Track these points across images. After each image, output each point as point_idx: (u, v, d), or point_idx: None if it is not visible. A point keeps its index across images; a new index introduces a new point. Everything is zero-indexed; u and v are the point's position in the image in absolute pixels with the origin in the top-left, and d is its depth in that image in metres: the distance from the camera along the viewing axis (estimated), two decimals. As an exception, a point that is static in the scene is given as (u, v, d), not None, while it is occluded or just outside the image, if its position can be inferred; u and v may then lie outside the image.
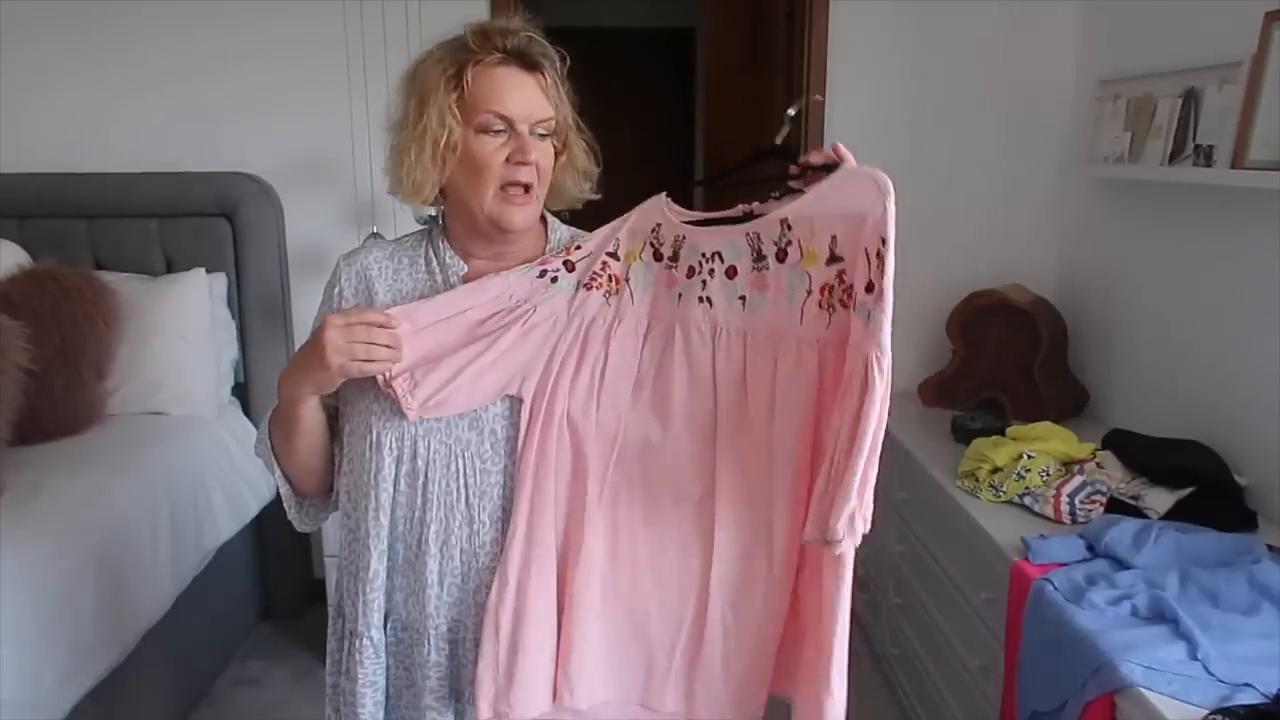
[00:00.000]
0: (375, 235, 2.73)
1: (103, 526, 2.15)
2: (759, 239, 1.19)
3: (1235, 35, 2.03)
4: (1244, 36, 1.99)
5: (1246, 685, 1.41)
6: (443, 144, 1.20)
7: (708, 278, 1.22)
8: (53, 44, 2.91)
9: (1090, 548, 1.85)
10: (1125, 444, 2.18)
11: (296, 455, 1.31)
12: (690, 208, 1.27)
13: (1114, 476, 2.09)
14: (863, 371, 1.04)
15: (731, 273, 1.21)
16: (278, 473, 1.35)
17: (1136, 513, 1.98)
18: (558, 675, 1.23)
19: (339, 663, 1.31)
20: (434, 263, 1.31)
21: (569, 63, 1.26)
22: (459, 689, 1.27)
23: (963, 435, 2.46)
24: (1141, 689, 1.42)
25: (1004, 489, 2.11)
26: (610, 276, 1.26)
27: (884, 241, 1.06)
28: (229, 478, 2.69)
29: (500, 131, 1.21)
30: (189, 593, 2.44)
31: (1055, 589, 1.71)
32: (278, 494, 1.40)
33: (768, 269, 1.18)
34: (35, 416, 2.36)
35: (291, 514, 1.40)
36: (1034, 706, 1.68)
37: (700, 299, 1.22)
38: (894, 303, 1.05)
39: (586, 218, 1.35)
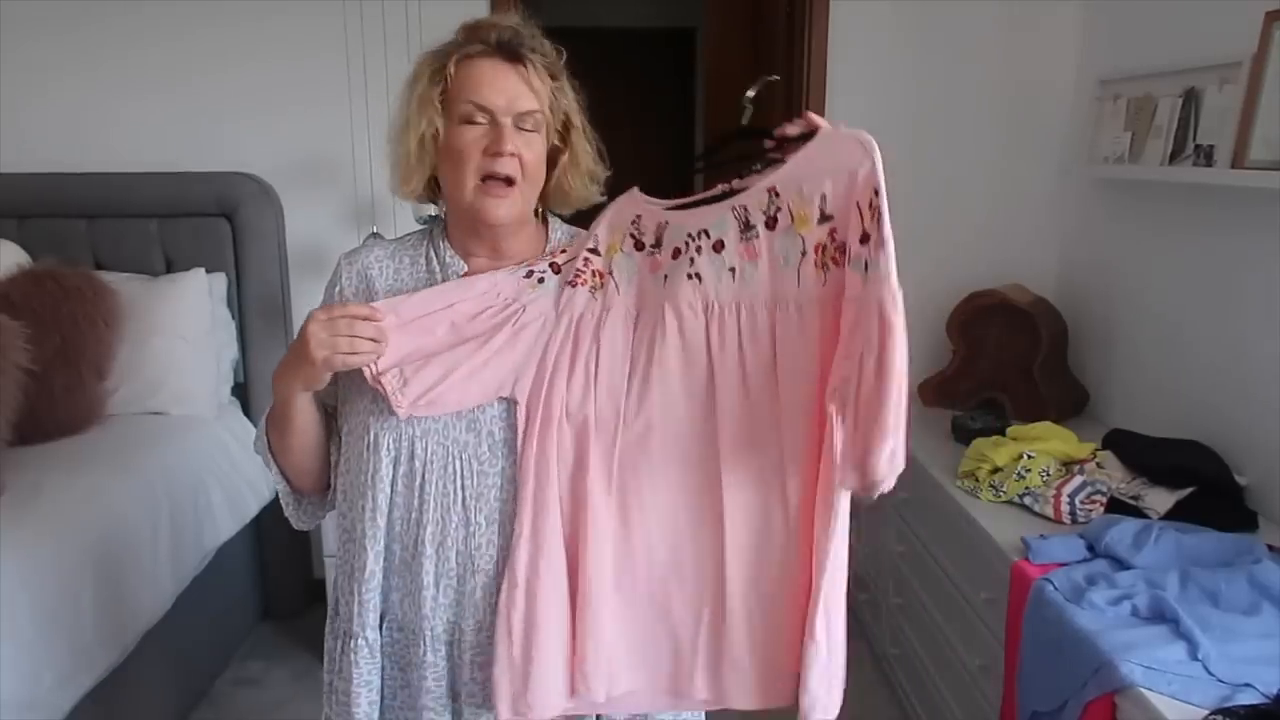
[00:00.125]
0: (375, 235, 2.74)
1: (102, 526, 2.15)
2: (746, 210, 1.20)
3: (1235, 35, 2.03)
4: (1244, 36, 1.99)
5: (1247, 685, 1.41)
6: (426, 135, 1.21)
7: (695, 255, 1.22)
8: (53, 44, 2.91)
9: (1090, 548, 1.85)
10: (1125, 444, 2.18)
11: (291, 453, 1.32)
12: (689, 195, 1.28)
13: (1114, 476, 2.09)
14: (876, 317, 1.06)
15: (719, 246, 1.21)
16: (275, 470, 1.35)
17: (1136, 513, 1.98)
18: (574, 670, 1.22)
19: (335, 661, 1.31)
20: (434, 262, 1.31)
21: (564, 57, 1.26)
22: (455, 689, 1.27)
23: (963, 435, 2.46)
24: (1141, 689, 1.42)
25: (1004, 489, 2.11)
26: (594, 272, 1.26)
27: (877, 192, 1.09)
28: (229, 477, 2.69)
29: (481, 122, 1.21)
30: (189, 593, 2.44)
31: (1055, 589, 1.71)
32: (277, 494, 1.40)
33: (757, 238, 1.19)
34: (35, 416, 2.36)
35: (289, 512, 1.40)
36: (1034, 706, 1.68)
37: (689, 276, 1.22)
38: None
39: (587, 218, 1.35)
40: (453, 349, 1.22)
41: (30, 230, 2.85)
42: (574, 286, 1.26)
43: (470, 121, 1.21)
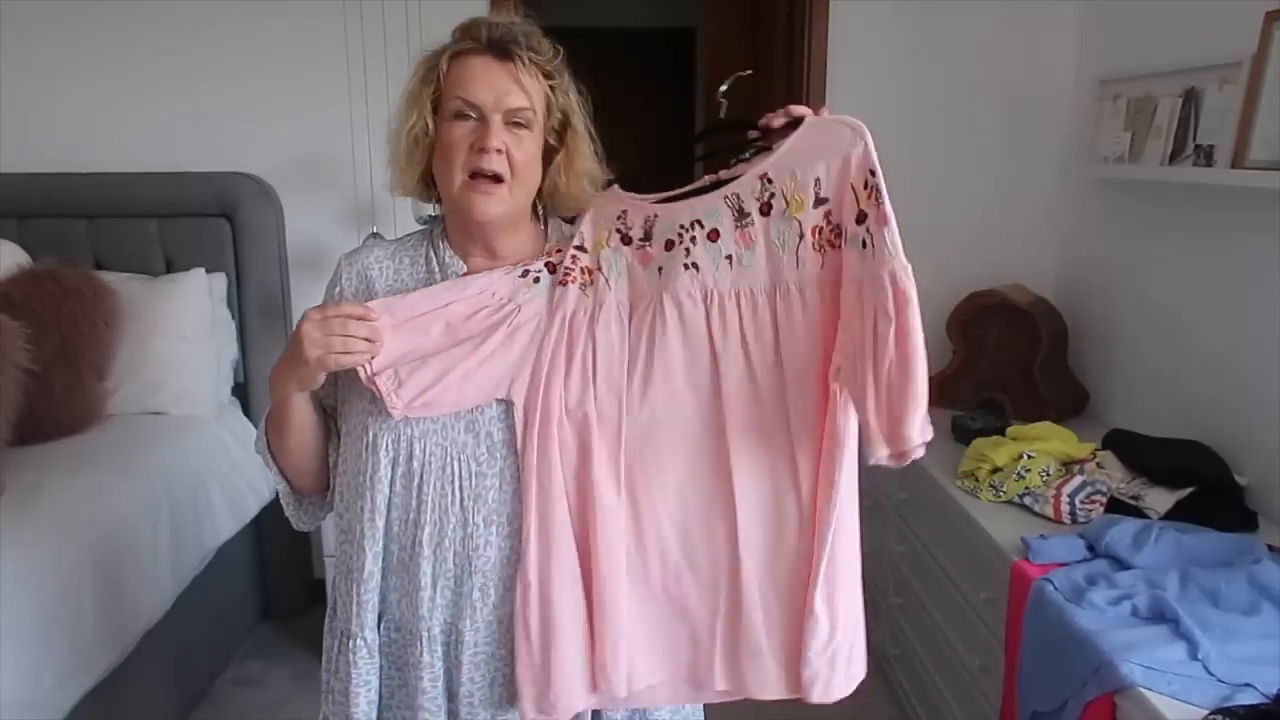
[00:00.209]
0: (375, 235, 2.73)
1: (102, 526, 2.15)
2: (738, 198, 1.22)
3: (1235, 35, 2.03)
4: (1244, 36, 1.99)
5: (1246, 685, 1.41)
6: (417, 132, 1.22)
7: (690, 245, 1.23)
8: (54, 45, 2.91)
9: (1090, 548, 1.85)
10: (1125, 444, 2.18)
11: (290, 454, 1.32)
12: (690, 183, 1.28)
13: (1114, 476, 2.09)
14: (889, 290, 1.10)
15: (714, 235, 1.22)
16: (275, 470, 1.35)
17: (1136, 513, 1.98)
18: (594, 666, 1.23)
19: (332, 661, 1.31)
20: (434, 262, 1.31)
21: (561, 55, 1.25)
22: (452, 690, 1.27)
23: (963, 435, 2.46)
24: (1141, 689, 1.42)
25: (1004, 489, 2.11)
26: (582, 269, 1.26)
27: (873, 172, 1.14)
28: (229, 477, 2.69)
29: (470, 119, 1.20)
30: (189, 593, 2.44)
31: (1055, 589, 1.71)
32: (278, 494, 1.40)
33: (752, 224, 1.21)
34: (35, 416, 2.36)
35: (290, 512, 1.40)
36: (1034, 706, 1.68)
37: (686, 266, 1.22)
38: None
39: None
40: (448, 350, 1.22)
41: (30, 230, 2.85)
42: (564, 285, 1.26)
43: (459, 117, 1.21)
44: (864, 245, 1.13)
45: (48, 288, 2.54)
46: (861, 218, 1.14)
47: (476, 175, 1.20)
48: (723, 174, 1.26)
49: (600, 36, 4.78)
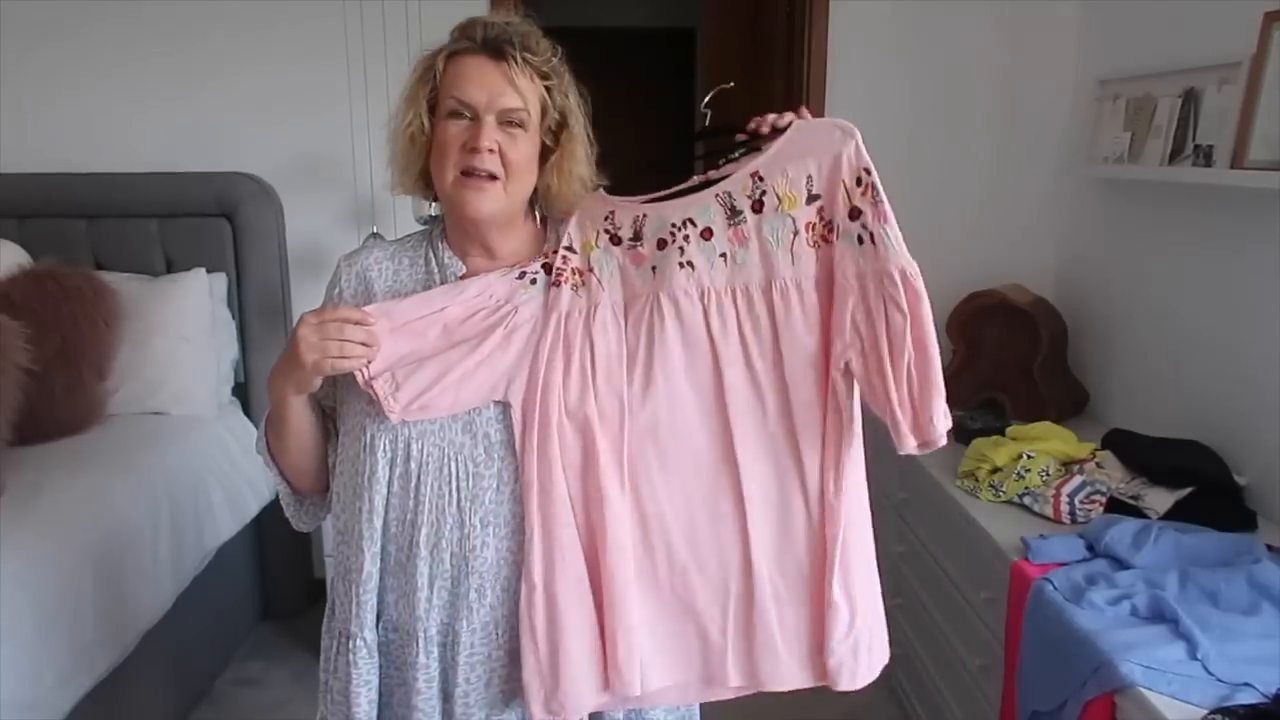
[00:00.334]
0: (375, 235, 2.74)
1: (103, 526, 2.15)
2: (730, 196, 1.23)
3: (1235, 35, 2.03)
4: (1244, 36, 1.99)
5: (1246, 685, 1.41)
6: (414, 131, 1.22)
7: (684, 244, 1.24)
8: (55, 47, 2.91)
9: (1090, 548, 1.85)
10: (1125, 444, 2.18)
11: (289, 454, 1.32)
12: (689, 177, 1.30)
13: (1114, 476, 2.09)
14: (901, 286, 1.15)
15: (707, 234, 1.24)
16: (275, 471, 1.35)
17: (1136, 513, 1.98)
18: (606, 665, 1.23)
19: (331, 661, 1.31)
20: (433, 263, 1.31)
21: (559, 55, 1.25)
22: (448, 691, 1.27)
23: (963, 435, 2.46)
24: (1141, 689, 1.42)
25: (1004, 489, 2.11)
26: (573, 270, 1.27)
27: (868, 170, 1.18)
28: (229, 477, 2.69)
29: (464, 118, 1.21)
30: (189, 593, 2.44)
31: (1055, 589, 1.71)
32: (278, 494, 1.40)
33: (745, 222, 1.23)
34: (35, 416, 2.36)
35: (290, 513, 1.41)
36: (1034, 706, 1.68)
37: (681, 265, 1.24)
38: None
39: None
40: (445, 352, 1.22)
41: (31, 230, 2.85)
42: (557, 286, 1.26)
43: (454, 116, 1.21)
44: (860, 241, 1.17)
45: (48, 288, 2.54)
46: (855, 214, 1.18)
47: (469, 172, 1.21)
48: (711, 174, 1.27)
49: (600, 36, 4.79)
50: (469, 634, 1.25)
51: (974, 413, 2.59)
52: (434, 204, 1.34)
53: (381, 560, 1.26)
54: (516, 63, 1.20)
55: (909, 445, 1.18)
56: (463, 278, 1.28)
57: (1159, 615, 1.60)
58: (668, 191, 1.27)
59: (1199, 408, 2.26)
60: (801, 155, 1.21)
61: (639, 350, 1.24)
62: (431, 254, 1.32)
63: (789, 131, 1.22)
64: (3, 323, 2.27)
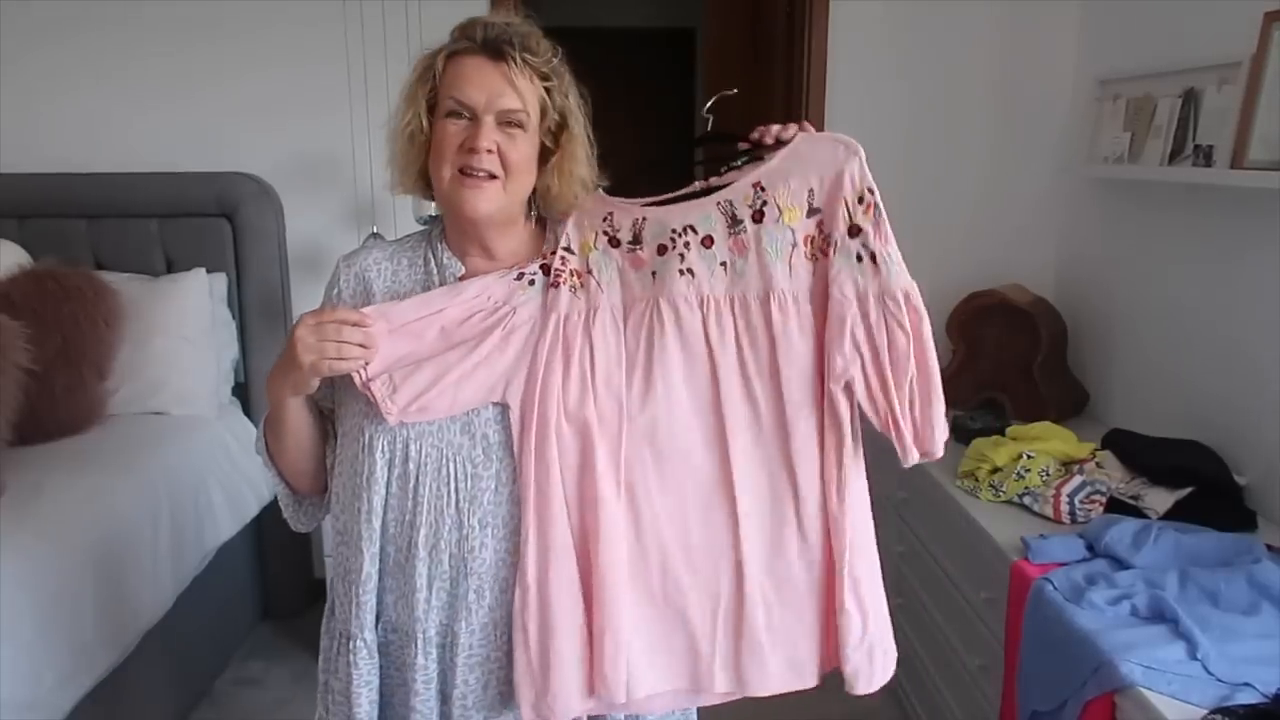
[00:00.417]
0: (375, 235, 2.74)
1: (103, 526, 2.15)
2: (731, 205, 1.24)
3: (1235, 35, 2.03)
4: (1244, 36, 1.99)
5: (1246, 685, 1.41)
6: (411, 129, 1.23)
7: (684, 251, 1.24)
8: (56, 48, 2.91)
9: (1090, 548, 1.85)
10: (1125, 444, 2.18)
11: (287, 455, 1.32)
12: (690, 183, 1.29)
13: (1114, 476, 2.09)
14: (904, 306, 1.19)
15: (708, 242, 1.24)
16: (273, 472, 1.35)
17: (1136, 513, 1.98)
18: (593, 670, 1.22)
19: (331, 661, 1.31)
20: (432, 263, 1.31)
21: (560, 56, 1.25)
22: (446, 692, 1.27)
23: (963, 435, 2.46)
24: (1141, 689, 1.42)
25: (1004, 489, 2.11)
26: (572, 271, 1.27)
27: (871, 190, 1.20)
28: (229, 477, 2.69)
29: (463, 118, 1.20)
30: (189, 593, 2.44)
31: (1055, 589, 1.71)
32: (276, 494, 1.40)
33: (744, 231, 1.24)
34: (36, 416, 2.36)
35: (288, 513, 1.40)
36: (1034, 706, 1.68)
37: (681, 272, 1.24)
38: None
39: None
40: (443, 354, 1.22)
41: (31, 230, 2.85)
42: (556, 287, 1.26)
43: (452, 116, 1.21)
44: (860, 259, 1.19)
45: (48, 288, 2.54)
46: (855, 231, 1.19)
47: (467, 172, 1.20)
48: (713, 181, 1.28)
49: (600, 36, 4.79)
50: (468, 635, 1.25)
51: (974, 413, 2.59)
52: (434, 204, 1.33)
53: (380, 561, 1.26)
54: (516, 63, 1.20)
55: (913, 458, 1.22)
56: (461, 278, 1.28)
57: (1159, 615, 1.60)
58: (667, 196, 1.27)
59: (1199, 407, 2.26)
60: (804, 168, 1.22)
61: (639, 355, 1.24)
62: (430, 254, 1.32)
63: (793, 143, 1.23)
64: (3, 323, 2.27)
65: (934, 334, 1.23)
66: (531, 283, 1.26)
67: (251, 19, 2.89)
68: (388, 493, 1.24)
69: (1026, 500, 2.08)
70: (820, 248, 1.22)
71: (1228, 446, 2.10)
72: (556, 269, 1.26)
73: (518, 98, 1.20)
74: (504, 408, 1.23)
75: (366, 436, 1.24)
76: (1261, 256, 2.04)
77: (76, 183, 2.88)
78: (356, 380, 1.21)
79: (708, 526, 1.24)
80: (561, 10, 3.27)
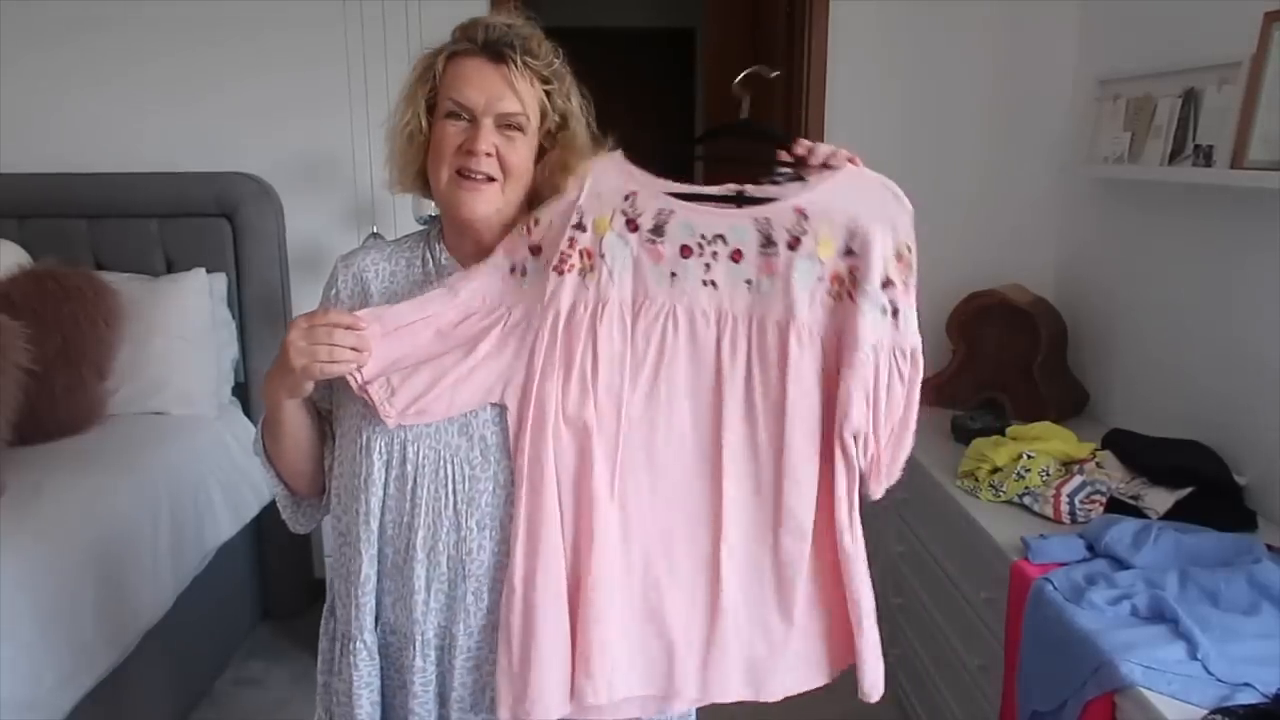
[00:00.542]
0: (375, 235, 2.74)
1: (103, 526, 2.15)
2: (770, 224, 1.20)
3: (1235, 35, 2.03)
4: (1244, 36, 1.99)
5: (1246, 685, 1.41)
6: (410, 128, 1.22)
7: (711, 260, 1.20)
8: (57, 48, 2.91)
9: (1090, 548, 1.85)
10: (1125, 444, 2.18)
11: (285, 457, 1.32)
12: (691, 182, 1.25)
13: (1114, 476, 2.09)
14: (909, 360, 1.22)
15: (737, 256, 1.21)
16: (271, 473, 1.35)
17: (1136, 513, 1.98)
18: (577, 672, 1.21)
19: (331, 663, 1.31)
20: (429, 263, 1.31)
21: (561, 58, 1.25)
22: (444, 694, 1.27)
23: (963, 435, 2.46)
24: (1141, 689, 1.42)
25: (1004, 489, 2.11)
26: (582, 252, 1.21)
27: (909, 248, 1.21)
28: (229, 477, 2.69)
29: (462, 119, 1.20)
30: (189, 593, 2.44)
31: (1055, 589, 1.71)
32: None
33: (777, 255, 1.20)
34: (36, 416, 2.36)
35: (286, 515, 1.40)
36: (1034, 706, 1.68)
37: (705, 282, 1.21)
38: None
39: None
40: (440, 357, 1.21)
41: (31, 230, 2.85)
42: (560, 274, 1.21)
43: (452, 117, 1.20)
44: (885, 312, 1.20)
45: (48, 288, 2.54)
46: (887, 284, 1.19)
47: (464, 173, 1.20)
48: (749, 188, 1.23)
49: (600, 36, 4.79)
50: (466, 638, 1.24)
51: (974, 413, 2.59)
52: (434, 203, 1.33)
53: (379, 563, 1.26)
54: (516, 66, 1.19)
55: (879, 492, 1.26)
56: (453, 283, 1.27)
57: (1159, 615, 1.60)
58: (696, 189, 1.22)
59: (1199, 407, 2.26)
60: (851, 206, 1.20)
61: (647, 358, 1.21)
62: (429, 255, 1.31)
63: (842, 175, 1.21)
64: (3, 323, 2.27)
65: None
66: (524, 274, 1.23)
67: (251, 19, 2.90)
68: (385, 494, 1.24)
69: (1026, 500, 2.08)
70: (847, 290, 1.20)
71: (1228, 446, 2.10)
72: (564, 251, 1.21)
73: (517, 101, 1.20)
74: (502, 409, 1.22)
75: (364, 438, 1.24)
76: (1262, 256, 2.04)
77: (76, 183, 2.88)
78: (353, 384, 1.20)
79: (692, 535, 1.24)
80: (561, 10, 3.27)
